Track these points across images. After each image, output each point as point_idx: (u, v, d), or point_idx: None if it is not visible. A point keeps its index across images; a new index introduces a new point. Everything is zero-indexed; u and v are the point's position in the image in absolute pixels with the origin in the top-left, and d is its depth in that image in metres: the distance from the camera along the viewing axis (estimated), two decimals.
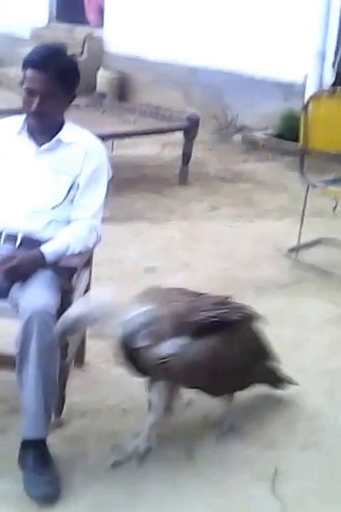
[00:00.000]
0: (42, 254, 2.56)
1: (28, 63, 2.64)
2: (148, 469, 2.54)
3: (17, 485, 2.36)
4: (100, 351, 3.25)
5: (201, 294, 2.67)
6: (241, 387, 2.75)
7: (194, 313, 2.45)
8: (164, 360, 2.33)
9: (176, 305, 2.48)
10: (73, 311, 2.38)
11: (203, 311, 2.46)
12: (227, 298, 2.70)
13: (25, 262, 2.53)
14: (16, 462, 2.41)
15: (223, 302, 2.62)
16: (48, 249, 2.58)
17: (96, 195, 2.75)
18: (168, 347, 2.34)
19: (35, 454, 2.38)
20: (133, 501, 2.40)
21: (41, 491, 2.32)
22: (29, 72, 2.62)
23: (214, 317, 2.45)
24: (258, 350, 2.75)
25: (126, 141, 6.74)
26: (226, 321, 2.49)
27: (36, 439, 2.39)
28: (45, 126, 2.70)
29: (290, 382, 2.91)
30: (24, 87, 2.64)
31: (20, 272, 2.52)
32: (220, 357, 2.45)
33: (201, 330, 2.40)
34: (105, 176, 2.80)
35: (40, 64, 2.61)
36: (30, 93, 2.62)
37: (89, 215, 2.71)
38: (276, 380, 2.89)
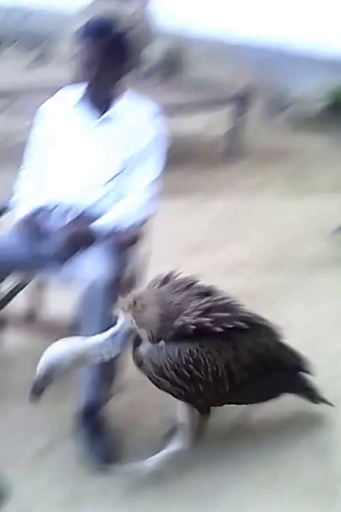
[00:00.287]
0: (97, 227, 2.65)
1: (83, 34, 2.66)
2: None
3: (74, 451, 2.46)
4: None
5: (206, 294, 2.37)
6: (233, 402, 2.47)
7: (176, 316, 2.23)
8: (139, 362, 2.27)
9: (162, 306, 2.27)
10: (55, 355, 2.23)
11: (186, 315, 2.23)
12: (229, 303, 2.36)
13: (81, 233, 2.63)
14: (73, 429, 2.49)
15: (211, 309, 2.27)
16: (104, 222, 2.66)
17: (150, 169, 2.78)
18: (142, 349, 2.26)
19: (92, 422, 2.46)
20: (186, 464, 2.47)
21: (98, 457, 2.41)
22: (85, 42, 2.64)
23: (193, 324, 2.20)
24: (263, 364, 2.39)
25: (176, 115, 6.79)
26: (206, 330, 2.22)
27: (93, 406, 2.47)
28: (101, 98, 2.73)
29: (322, 400, 2.66)
30: (80, 57, 2.66)
31: (76, 244, 2.62)
32: (196, 365, 2.20)
33: (179, 334, 2.21)
34: (160, 149, 2.81)
35: (96, 34, 2.64)
36: (86, 63, 2.65)
37: (143, 188, 2.76)
38: (307, 393, 2.63)
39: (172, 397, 2.34)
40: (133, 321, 2.23)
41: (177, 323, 2.21)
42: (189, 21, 8.60)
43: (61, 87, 2.94)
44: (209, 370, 2.21)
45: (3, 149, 6.03)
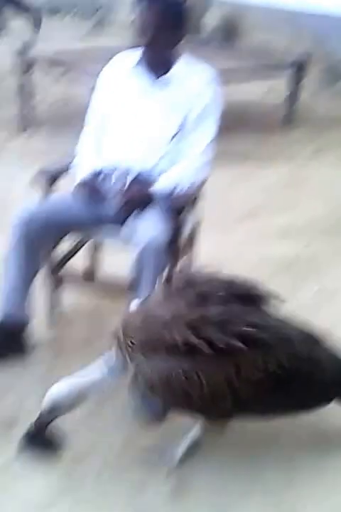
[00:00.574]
0: (155, 190, 2.72)
1: (142, 4, 2.71)
2: None
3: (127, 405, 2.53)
4: None
5: (204, 297, 2.18)
6: (245, 417, 2.28)
7: (166, 331, 2.08)
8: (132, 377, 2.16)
9: (150, 326, 2.14)
10: (59, 393, 2.19)
11: (176, 328, 2.07)
12: (229, 313, 2.13)
13: (140, 195, 2.71)
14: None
15: (204, 321, 2.08)
16: (160, 185, 2.73)
17: (206, 131, 2.83)
18: (132, 365, 2.15)
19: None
20: None
21: (148, 413, 2.46)
22: (141, 6, 2.71)
23: (181, 342, 2.04)
24: (280, 379, 2.13)
25: (232, 83, 6.78)
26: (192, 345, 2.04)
27: None
28: (157, 60, 2.78)
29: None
30: (137, 21, 2.73)
31: (134, 206, 2.70)
32: (190, 383, 2.04)
33: (171, 350, 2.07)
34: (216, 112, 2.86)
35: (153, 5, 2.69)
36: (142, 27, 2.70)
37: (199, 152, 2.81)
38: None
39: None
40: (127, 357, 2.13)
41: (168, 339, 2.06)
42: None
43: (118, 52, 2.99)
44: (205, 389, 2.04)
45: (63, 114, 6.17)
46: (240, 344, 2.03)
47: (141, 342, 2.10)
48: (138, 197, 2.72)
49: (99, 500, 2.18)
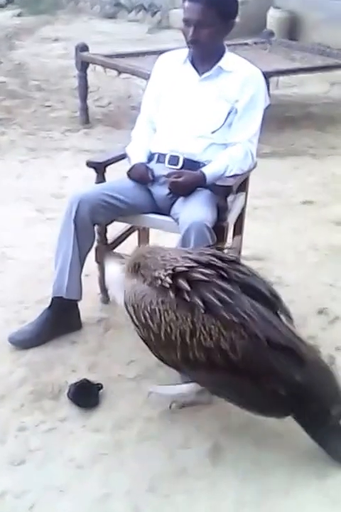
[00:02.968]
0: (203, 174, 2.83)
1: None
2: None
3: (175, 371, 2.56)
4: None
5: (206, 265, 2.25)
6: (191, 377, 2.41)
7: (160, 268, 2.28)
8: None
9: (152, 259, 2.35)
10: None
11: (165, 270, 2.25)
12: (213, 279, 2.20)
13: (189, 179, 2.83)
14: None
15: (188, 273, 2.21)
16: (209, 171, 2.84)
17: (252, 121, 2.93)
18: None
19: None
20: None
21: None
22: (186, 3, 2.81)
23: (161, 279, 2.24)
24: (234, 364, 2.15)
25: (294, 79, 6.81)
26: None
27: None
28: (204, 55, 2.90)
29: None
30: (182, 18, 2.84)
31: (184, 187, 2.82)
32: (151, 315, 2.23)
33: (153, 284, 2.26)
34: (262, 102, 2.96)
35: None
36: (187, 23, 2.82)
37: (246, 139, 2.91)
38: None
39: None
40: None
41: (154, 274, 2.26)
42: None
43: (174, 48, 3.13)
44: (162, 327, 2.20)
45: (119, 113, 6.34)
46: (200, 302, 2.14)
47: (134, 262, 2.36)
48: (187, 180, 2.82)
49: (139, 461, 2.30)
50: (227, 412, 2.47)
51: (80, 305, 2.94)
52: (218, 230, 2.75)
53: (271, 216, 4.25)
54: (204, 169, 2.85)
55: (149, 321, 2.23)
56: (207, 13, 2.77)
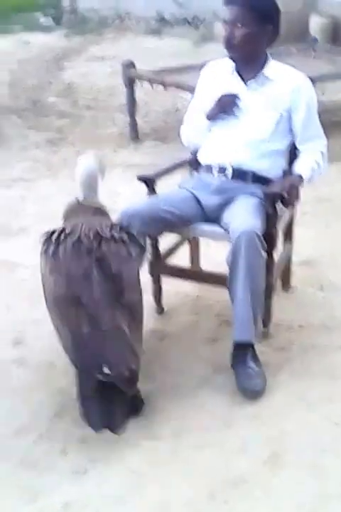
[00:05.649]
0: (300, 177, 2.85)
1: (226, 1, 2.84)
2: None
3: (230, 379, 2.71)
4: (306, 277, 3.51)
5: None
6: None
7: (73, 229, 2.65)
8: None
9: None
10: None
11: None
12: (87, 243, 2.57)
13: (293, 184, 2.80)
14: (228, 363, 2.74)
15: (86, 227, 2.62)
16: (305, 175, 2.85)
17: (318, 125, 2.97)
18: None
19: (245, 354, 2.70)
20: None
21: (250, 383, 2.64)
22: (227, 9, 2.82)
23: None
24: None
25: (338, 85, 6.74)
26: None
27: (245, 342, 2.70)
28: (247, 62, 2.90)
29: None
30: (223, 23, 2.85)
31: (293, 196, 2.79)
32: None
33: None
34: (316, 106, 2.97)
35: (232, 1, 2.80)
36: (225, 26, 2.83)
37: (323, 144, 2.97)
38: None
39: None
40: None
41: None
42: None
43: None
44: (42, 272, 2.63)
45: (173, 121, 6.39)
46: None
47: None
48: (292, 187, 2.78)
49: (197, 469, 2.34)
50: (284, 417, 2.51)
51: None
52: (268, 237, 2.77)
53: (321, 221, 4.24)
54: (302, 173, 2.85)
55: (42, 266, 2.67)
56: (241, 14, 2.78)
